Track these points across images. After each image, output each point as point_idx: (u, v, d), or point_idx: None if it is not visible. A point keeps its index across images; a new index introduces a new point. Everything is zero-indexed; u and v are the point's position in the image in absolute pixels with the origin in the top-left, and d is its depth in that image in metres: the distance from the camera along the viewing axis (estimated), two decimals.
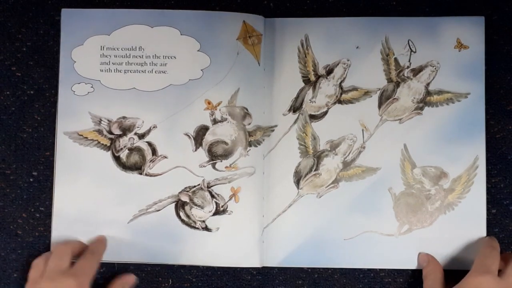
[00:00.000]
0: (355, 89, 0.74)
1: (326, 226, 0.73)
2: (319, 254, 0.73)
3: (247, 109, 0.73)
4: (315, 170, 0.74)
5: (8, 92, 0.75)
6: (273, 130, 0.74)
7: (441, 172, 0.73)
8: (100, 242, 0.72)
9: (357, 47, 0.74)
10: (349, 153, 0.73)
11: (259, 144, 0.73)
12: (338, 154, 0.74)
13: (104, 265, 0.74)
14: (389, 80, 0.74)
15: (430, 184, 0.73)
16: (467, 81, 0.73)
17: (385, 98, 0.74)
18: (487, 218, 0.72)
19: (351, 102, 0.74)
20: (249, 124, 0.73)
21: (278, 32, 0.75)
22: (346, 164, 0.74)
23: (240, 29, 0.73)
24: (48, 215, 0.74)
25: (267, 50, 0.75)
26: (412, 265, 0.73)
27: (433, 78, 0.73)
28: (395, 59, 0.74)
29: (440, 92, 0.73)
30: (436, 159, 0.73)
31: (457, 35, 0.73)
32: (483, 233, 0.72)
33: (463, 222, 0.72)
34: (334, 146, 0.74)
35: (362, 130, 0.74)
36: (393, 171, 0.73)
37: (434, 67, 0.73)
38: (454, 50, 0.73)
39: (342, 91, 0.74)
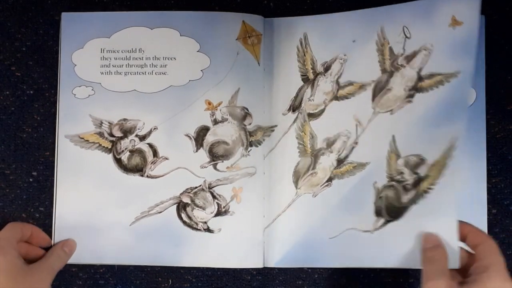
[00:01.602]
0: (351, 83, 0.72)
1: (320, 225, 0.72)
2: (318, 254, 0.72)
3: (247, 109, 0.73)
4: (312, 169, 0.73)
5: (7, 92, 0.75)
6: (273, 130, 0.74)
7: (420, 159, 0.67)
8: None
9: (354, 41, 0.73)
10: (343, 150, 0.72)
11: (260, 144, 0.73)
12: (333, 152, 0.72)
13: (103, 266, 0.74)
14: (384, 70, 0.71)
15: (409, 174, 0.68)
16: (459, 59, 0.66)
17: (378, 90, 0.71)
18: (487, 219, 0.72)
19: (347, 97, 0.72)
20: (250, 124, 0.73)
21: (277, 32, 0.75)
22: (340, 162, 0.72)
23: (239, 29, 0.73)
24: (47, 215, 0.74)
25: (267, 50, 0.74)
26: (388, 263, 0.68)
27: (426, 62, 0.68)
28: (390, 48, 0.71)
29: (431, 76, 0.68)
30: (422, 147, 0.68)
31: (453, 12, 0.67)
32: (454, 222, 0.64)
33: (434, 211, 0.66)
34: (330, 144, 0.73)
35: (356, 125, 0.72)
36: (379, 164, 0.70)
37: (427, 50, 0.69)
38: (449, 29, 0.67)
39: (339, 87, 0.73)
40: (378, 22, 0.72)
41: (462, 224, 0.64)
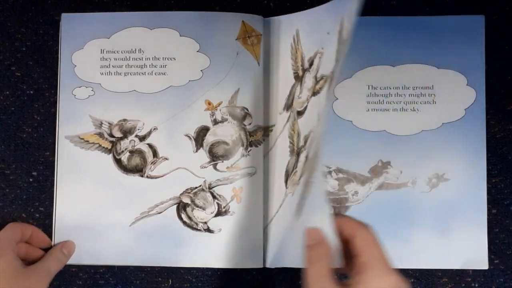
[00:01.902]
0: (322, 78, 0.67)
1: (287, 225, 0.66)
2: (285, 254, 0.70)
3: (247, 109, 0.73)
4: (295, 168, 0.70)
5: (7, 92, 0.75)
6: (271, 130, 0.74)
7: (316, 150, 0.59)
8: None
9: (328, 33, 0.68)
10: (310, 146, 0.65)
11: (260, 144, 0.73)
12: (306, 149, 0.68)
13: (103, 266, 0.74)
14: (336, 60, 0.62)
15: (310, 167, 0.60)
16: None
17: (331, 81, 0.63)
18: (487, 219, 0.72)
19: (319, 92, 0.68)
20: (250, 124, 0.73)
21: (273, 31, 0.75)
22: (307, 158, 0.66)
23: (239, 29, 0.73)
24: (47, 215, 0.74)
25: (266, 50, 0.74)
26: (294, 264, 0.66)
27: None
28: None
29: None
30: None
31: None
32: (327, 215, 0.56)
33: (312, 206, 0.59)
34: (305, 141, 0.68)
35: (318, 120, 0.65)
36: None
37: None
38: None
39: (316, 81, 0.69)
40: (343, 12, 0.62)
41: (336, 216, 0.57)
